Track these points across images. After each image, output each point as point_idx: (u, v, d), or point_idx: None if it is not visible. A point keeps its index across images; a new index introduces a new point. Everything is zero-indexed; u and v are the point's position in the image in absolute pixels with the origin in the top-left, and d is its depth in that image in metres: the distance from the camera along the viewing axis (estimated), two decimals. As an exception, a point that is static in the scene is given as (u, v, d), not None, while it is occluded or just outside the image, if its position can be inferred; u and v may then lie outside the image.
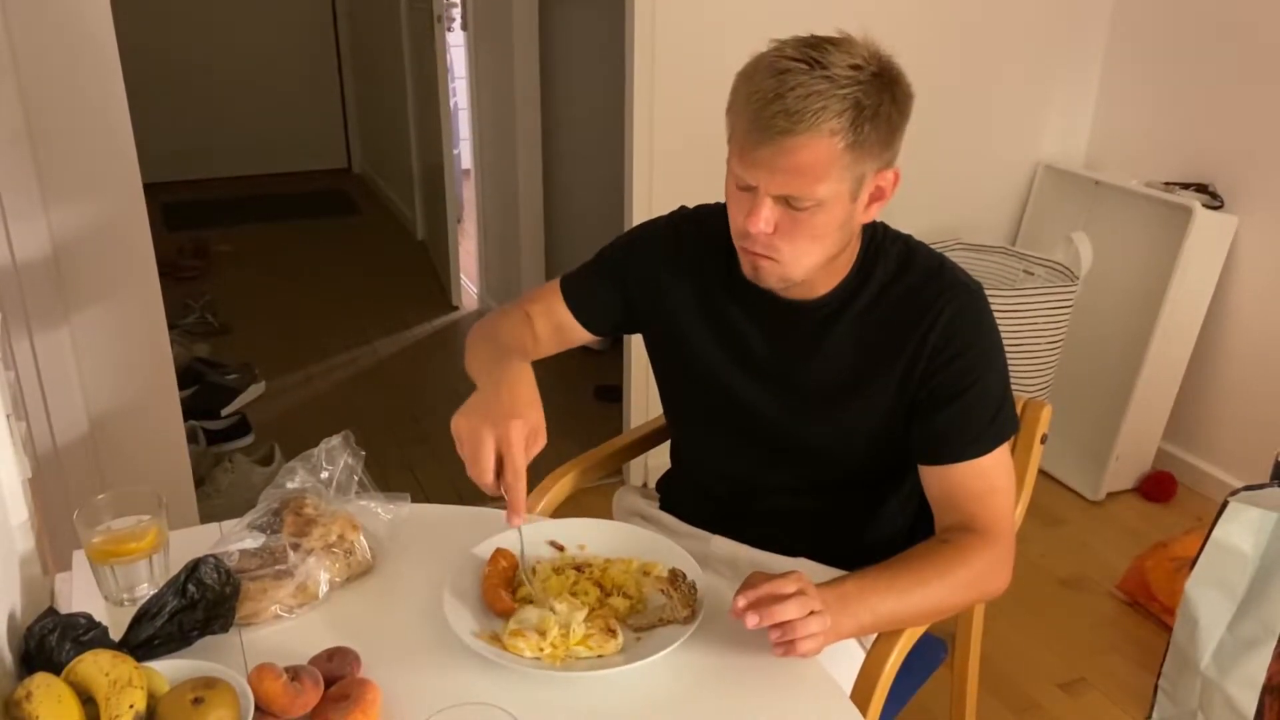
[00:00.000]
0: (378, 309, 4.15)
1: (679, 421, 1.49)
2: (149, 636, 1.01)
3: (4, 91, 1.85)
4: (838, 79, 1.08)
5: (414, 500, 1.26)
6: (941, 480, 1.24)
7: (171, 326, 2.53)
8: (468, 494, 2.66)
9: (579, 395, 3.32)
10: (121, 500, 1.14)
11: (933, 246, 1.30)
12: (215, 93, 5.68)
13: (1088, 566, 2.54)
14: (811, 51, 1.09)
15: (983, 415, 1.22)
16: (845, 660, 1.25)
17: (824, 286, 1.26)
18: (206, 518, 2.30)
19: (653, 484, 1.58)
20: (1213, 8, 2.68)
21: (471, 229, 4.43)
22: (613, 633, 1.06)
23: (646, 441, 1.63)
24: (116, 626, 1.02)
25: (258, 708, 0.92)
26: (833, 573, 1.21)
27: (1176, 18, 2.78)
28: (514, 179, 3.65)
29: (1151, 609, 2.35)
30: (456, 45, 4.24)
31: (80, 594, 1.13)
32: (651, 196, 2.56)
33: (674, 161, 2.53)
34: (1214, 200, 2.68)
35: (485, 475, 1.08)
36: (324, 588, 1.13)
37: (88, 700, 0.91)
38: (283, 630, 1.10)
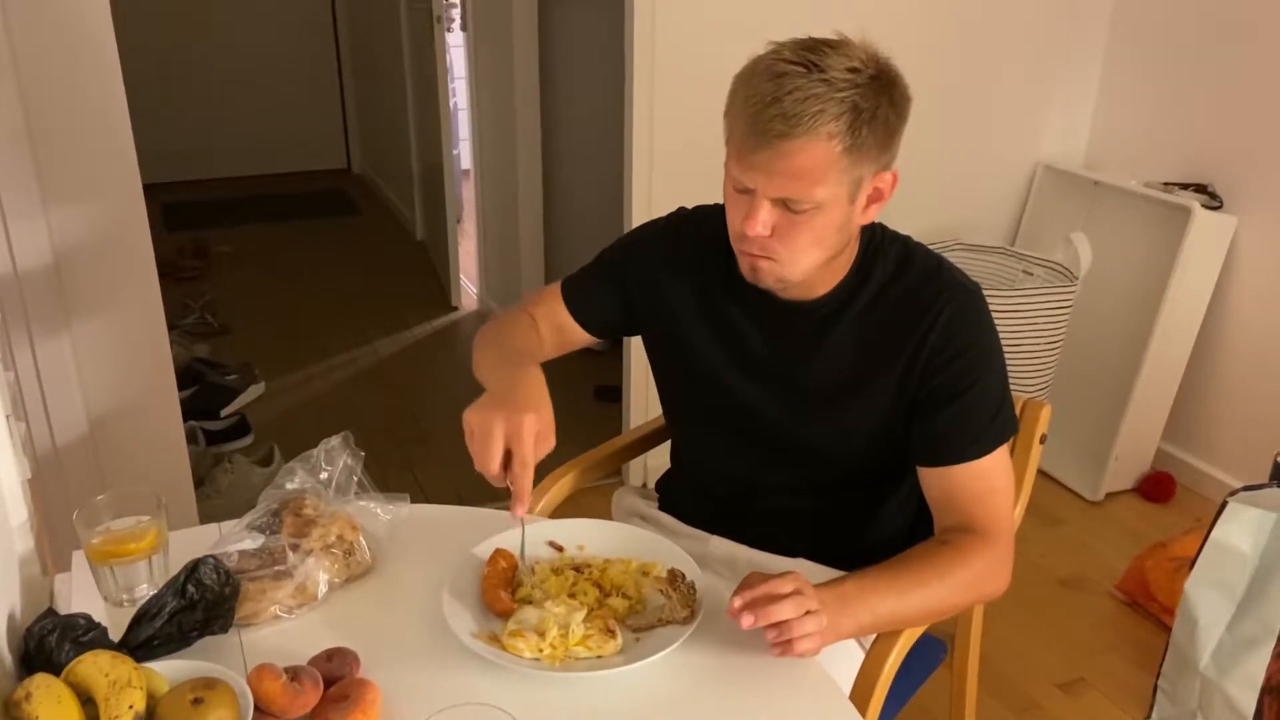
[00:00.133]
0: (377, 309, 4.15)
1: (679, 422, 1.49)
2: (148, 637, 1.01)
3: (4, 91, 1.85)
4: (835, 82, 1.07)
5: (413, 501, 1.26)
6: (941, 481, 1.24)
7: (171, 327, 2.53)
8: (467, 494, 2.67)
9: (579, 395, 3.32)
10: (121, 501, 1.14)
11: (932, 247, 1.31)
12: (215, 93, 5.68)
13: (1087, 567, 2.54)
14: (809, 54, 1.09)
15: (982, 416, 1.22)
16: (845, 660, 1.26)
17: (823, 287, 1.26)
18: (206, 518, 2.29)
19: (652, 484, 1.58)
20: (1213, 8, 2.68)
21: (471, 229, 4.43)
22: (612, 633, 1.06)
23: (646, 442, 1.63)
24: (116, 627, 1.02)
25: (257, 708, 0.92)
26: (832, 573, 1.21)
27: (1176, 18, 2.78)
28: (514, 179, 3.65)
29: (1151, 609, 2.35)
30: (456, 45, 4.24)
31: (80, 594, 1.13)
32: (651, 197, 2.56)
33: (674, 162, 2.53)
34: (1213, 200, 2.68)
35: (492, 465, 1.09)
36: (323, 588, 1.13)
37: (87, 701, 0.91)
38: (282, 631, 1.10)
